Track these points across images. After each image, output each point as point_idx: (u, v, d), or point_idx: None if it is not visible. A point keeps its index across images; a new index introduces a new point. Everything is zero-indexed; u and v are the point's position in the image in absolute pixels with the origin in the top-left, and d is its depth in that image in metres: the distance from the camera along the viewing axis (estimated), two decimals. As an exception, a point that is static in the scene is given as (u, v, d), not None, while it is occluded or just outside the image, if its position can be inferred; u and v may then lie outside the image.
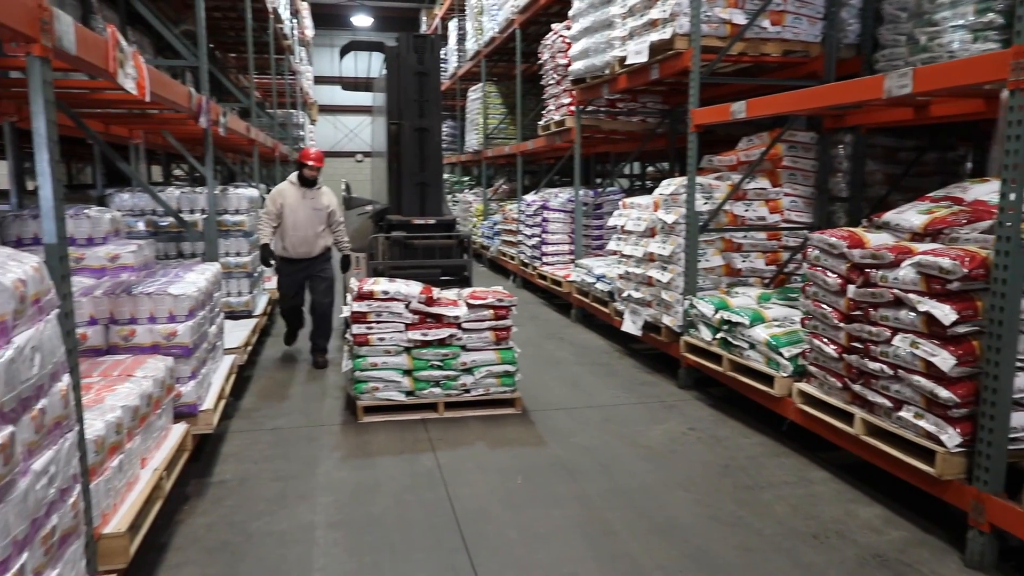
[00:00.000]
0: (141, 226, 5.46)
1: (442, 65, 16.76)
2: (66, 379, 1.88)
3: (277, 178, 10.29)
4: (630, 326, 5.91)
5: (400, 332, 4.58)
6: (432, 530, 3.20)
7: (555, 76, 8.16)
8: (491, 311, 4.66)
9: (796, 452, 4.08)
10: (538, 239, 9.00)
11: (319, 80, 20.91)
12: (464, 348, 4.67)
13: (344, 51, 6.99)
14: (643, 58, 5.50)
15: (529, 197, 9.46)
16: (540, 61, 8.63)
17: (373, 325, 4.56)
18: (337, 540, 3.10)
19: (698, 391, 5.20)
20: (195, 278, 3.79)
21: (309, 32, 18.09)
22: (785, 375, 4.10)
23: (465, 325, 4.65)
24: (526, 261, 9.56)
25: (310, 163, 5.52)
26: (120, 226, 4.15)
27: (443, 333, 4.61)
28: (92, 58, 2.35)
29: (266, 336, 6.82)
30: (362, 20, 23.07)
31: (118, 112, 4.77)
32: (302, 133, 16.01)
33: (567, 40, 7.52)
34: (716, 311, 4.71)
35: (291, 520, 3.27)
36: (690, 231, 5.14)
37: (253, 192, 5.95)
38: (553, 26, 8.24)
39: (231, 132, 5.36)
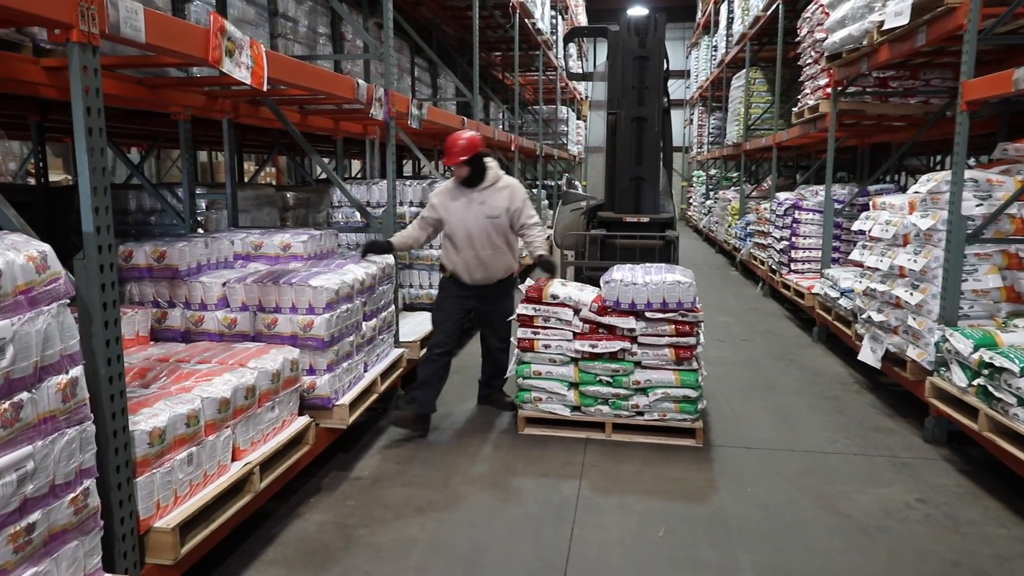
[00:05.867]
0: (357, 216, 5.74)
1: (713, 53, 15.74)
2: (75, 372, 1.84)
3: (524, 175, 10.43)
4: (868, 355, 4.77)
5: (568, 340, 4.17)
6: (532, 576, 2.77)
7: (812, 54, 7.00)
8: (671, 326, 4.03)
9: (1076, 563, 2.86)
10: (787, 243, 7.87)
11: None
12: (638, 365, 4.11)
13: (567, 39, 6.72)
14: (904, 20, 4.36)
15: (782, 195, 8.33)
16: (798, 38, 7.49)
17: (539, 330, 4.21)
18: (427, 566, 2.83)
19: (950, 449, 4.00)
20: (354, 270, 3.79)
21: (582, 28, 18.23)
22: (1066, 451, 2.89)
23: (641, 339, 4.07)
24: (774, 267, 8.45)
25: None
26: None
27: (614, 346, 4.09)
28: (179, 46, 2.33)
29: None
30: (639, 12, 22.67)
31: (327, 108, 5.01)
32: (565, 128, 16.20)
33: (827, 9, 6.37)
34: (975, 349, 3.53)
35: (397, 533, 3.07)
36: (952, 241, 3.95)
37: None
38: (816, -5, 7.07)
39: (432, 124, 5.36)
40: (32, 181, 7.67)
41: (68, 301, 1.83)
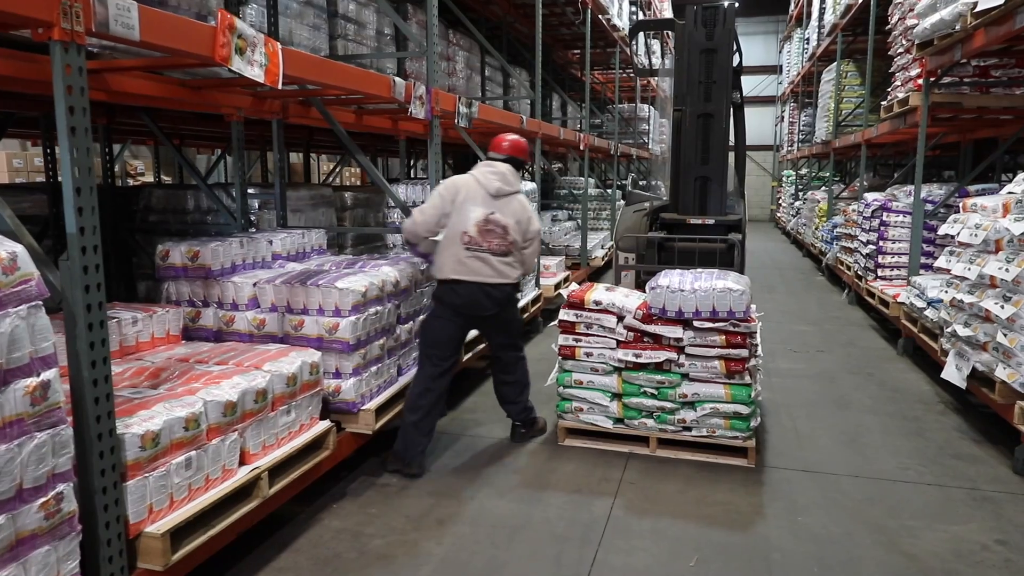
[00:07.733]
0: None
1: (804, 46, 14.96)
2: (47, 374, 1.81)
3: (604, 177, 10.14)
4: (952, 373, 4.30)
5: (611, 349, 3.95)
6: (544, 603, 2.59)
7: (904, 42, 6.44)
8: (722, 336, 3.74)
9: None
10: (873, 247, 7.30)
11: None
12: (686, 377, 3.84)
13: (633, 32, 6.44)
14: (999, 0, 3.90)
15: (869, 196, 7.74)
16: (888, 26, 6.93)
17: (581, 338, 4.01)
18: (436, 586, 2.70)
19: (1043, 484, 3.53)
20: (387, 272, 3.71)
21: (666, 24, 17.69)
22: None
23: (688, 350, 3.81)
24: (859, 273, 7.87)
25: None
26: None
27: (660, 356, 3.84)
28: (181, 44, 2.29)
29: (533, 332, 6.68)
30: (712, 3, 21.86)
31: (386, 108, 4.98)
32: (646, 127, 15.76)
33: (919, -7, 5.84)
34: (1072, 372, 3.09)
35: (412, 547, 2.96)
36: (1051, 248, 3.49)
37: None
38: (909, -21, 6.50)
39: (483, 123, 5.23)
40: (122, 182, 8.11)
41: (42, 303, 1.81)
